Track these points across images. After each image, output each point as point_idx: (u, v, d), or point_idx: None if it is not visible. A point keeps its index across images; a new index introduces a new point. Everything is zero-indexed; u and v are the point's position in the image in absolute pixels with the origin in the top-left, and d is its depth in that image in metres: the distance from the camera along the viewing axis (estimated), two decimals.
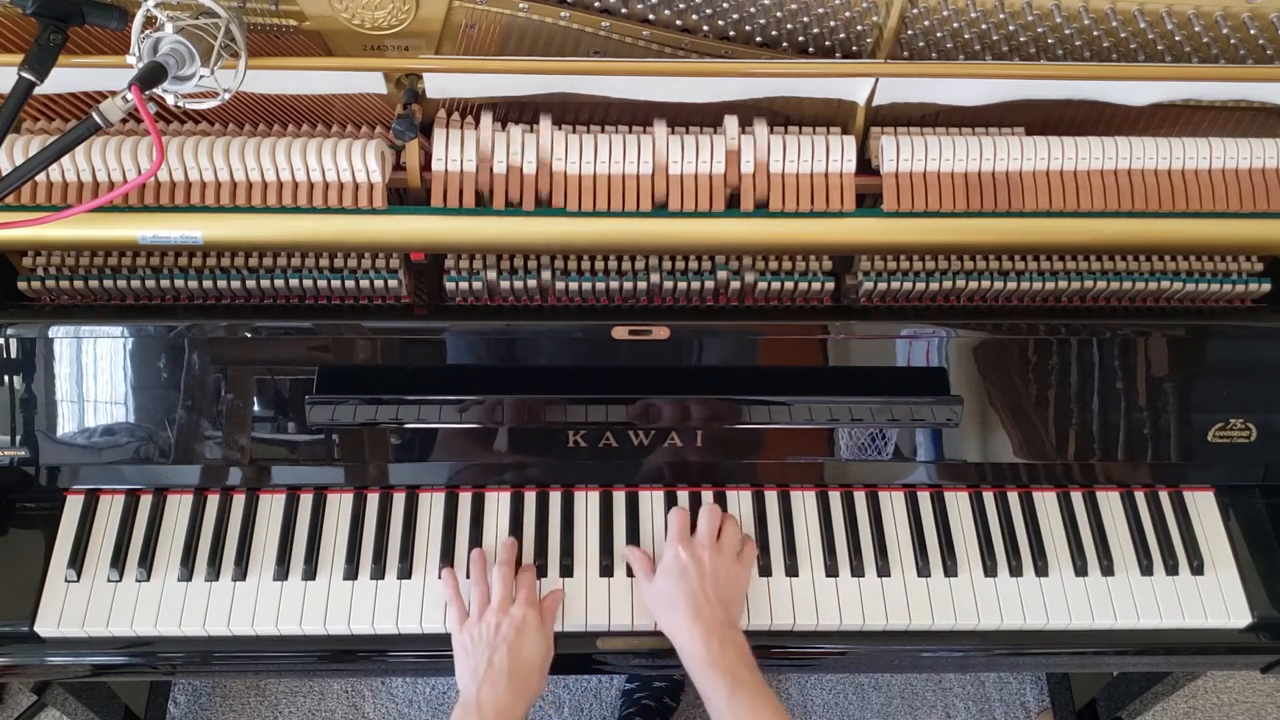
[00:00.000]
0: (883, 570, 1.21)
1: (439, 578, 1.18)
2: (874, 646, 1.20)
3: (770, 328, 1.21)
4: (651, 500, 1.24)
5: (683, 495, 1.25)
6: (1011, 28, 1.10)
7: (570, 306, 1.21)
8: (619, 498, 1.24)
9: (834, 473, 1.26)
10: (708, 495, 1.24)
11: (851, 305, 1.23)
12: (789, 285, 1.20)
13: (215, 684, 1.90)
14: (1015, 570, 1.21)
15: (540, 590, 1.17)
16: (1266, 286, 1.23)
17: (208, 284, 1.18)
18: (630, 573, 1.19)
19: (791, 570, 1.20)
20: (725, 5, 1.09)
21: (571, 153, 1.13)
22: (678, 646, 1.09)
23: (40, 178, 1.10)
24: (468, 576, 1.17)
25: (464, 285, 1.19)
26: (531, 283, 1.19)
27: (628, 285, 1.20)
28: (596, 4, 1.09)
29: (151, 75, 0.92)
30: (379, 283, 1.19)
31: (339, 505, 1.23)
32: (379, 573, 1.19)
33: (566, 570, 1.19)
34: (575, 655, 1.18)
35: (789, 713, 1.89)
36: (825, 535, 1.22)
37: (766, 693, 1.05)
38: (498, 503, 1.24)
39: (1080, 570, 1.21)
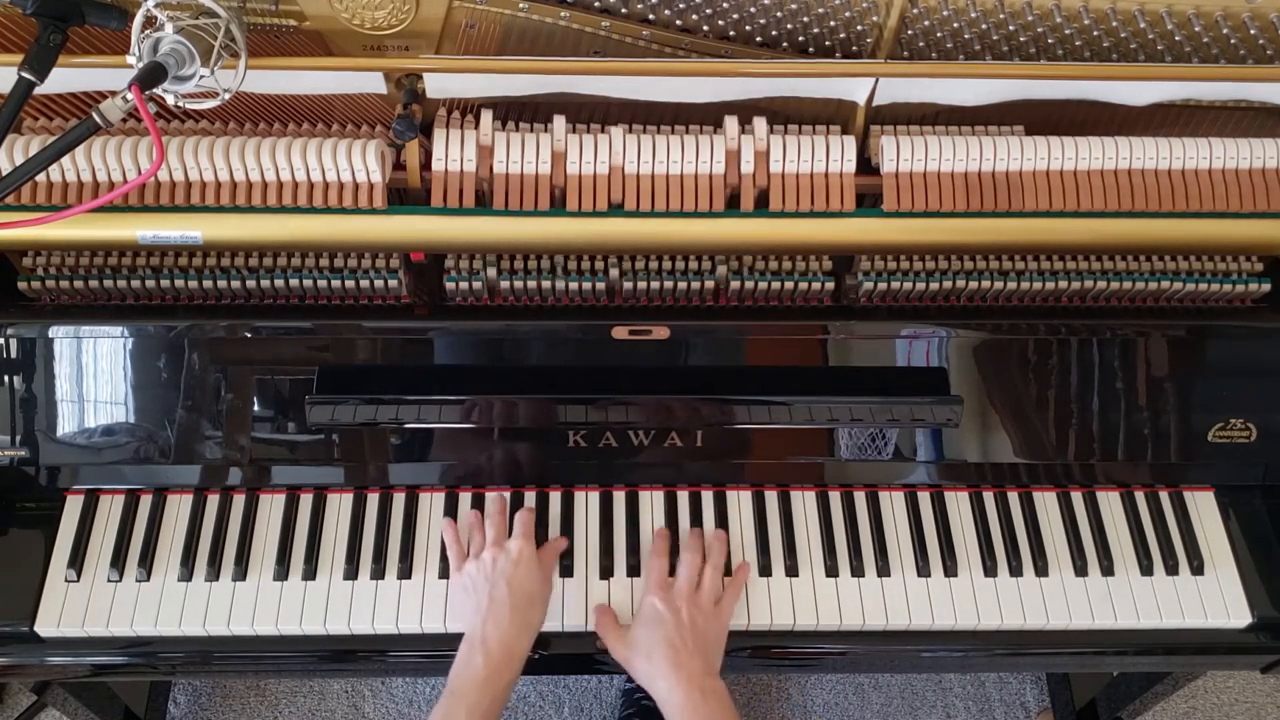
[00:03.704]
0: (883, 570, 1.21)
1: (439, 576, 1.18)
2: (874, 646, 1.20)
3: (770, 328, 1.21)
4: (651, 500, 1.24)
5: (682, 495, 1.25)
6: (1011, 28, 1.10)
7: (570, 306, 1.21)
8: (619, 498, 1.24)
9: (834, 473, 1.26)
10: (708, 495, 1.24)
11: (851, 305, 1.23)
12: (789, 285, 1.20)
13: (215, 684, 1.90)
14: (1015, 570, 1.21)
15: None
16: (1266, 286, 1.23)
17: (208, 284, 1.18)
18: (631, 573, 1.19)
19: (791, 570, 1.20)
20: (725, 5, 1.09)
21: (572, 152, 1.13)
22: (656, 696, 1.08)
23: (40, 178, 1.10)
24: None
25: (464, 285, 1.19)
26: (531, 283, 1.19)
27: (628, 285, 1.20)
28: (596, 4, 1.09)
29: (151, 75, 0.92)
30: (379, 283, 1.19)
31: (339, 505, 1.23)
32: (379, 573, 1.19)
33: (566, 570, 1.19)
34: (575, 655, 1.18)
35: (790, 712, 1.89)
36: (825, 535, 1.22)
37: None
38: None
39: (1080, 570, 1.21)
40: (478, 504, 1.23)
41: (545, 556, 1.16)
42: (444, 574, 1.19)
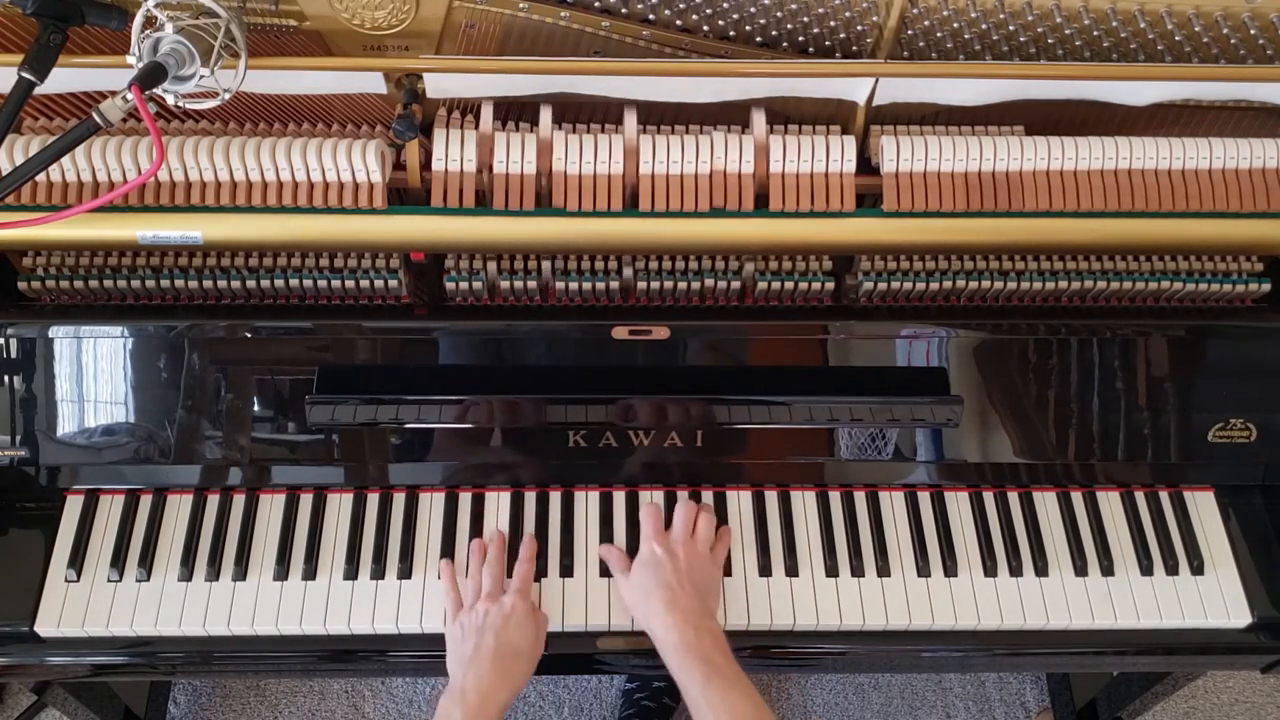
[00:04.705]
0: (883, 570, 1.21)
1: (439, 577, 1.18)
2: (874, 646, 1.20)
3: (770, 328, 1.21)
4: (651, 500, 1.24)
5: (683, 495, 1.24)
6: (1011, 28, 1.10)
7: (570, 306, 1.21)
8: (619, 498, 1.24)
9: (834, 473, 1.26)
10: (708, 495, 1.24)
11: (851, 305, 1.23)
12: (789, 285, 1.20)
13: (215, 684, 1.90)
14: (1015, 570, 1.21)
15: (540, 592, 1.18)
16: (1266, 286, 1.23)
17: (208, 284, 1.18)
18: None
19: (791, 570, 1.20)
20: (725, 5, 1.09)
21: (571, 152, 1.13)
22: (653, 636, 1.10)
23: (40, 178, 1.10)
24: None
25: (464, 285, 1.19)
26: (531, 283, 1.19)
27: (628, 285, 1.20)
28: (596, 4, 1.09)
29: (151, 75, 0.92)
30: (379, 283, 1.19)
31: (339, 505, 1.23)
32: (379, 573, 1.19)
33: (566, 570, 1.19)
34: (575, 655, 1.18)
35: (790, 712, 1.89)
36: (825, 535, 1.22)
37: (742, 679, 1.05)
38: (498, 503, 1.24)
39: (1080, 570, 1.21)
40: (477, 504, 1.23)
41: (541, 614, 1.15)
42: None
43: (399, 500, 1.23)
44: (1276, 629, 1.20)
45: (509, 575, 1.17)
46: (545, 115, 1.14)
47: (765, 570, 1.20)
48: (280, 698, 1.90)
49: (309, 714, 1.89)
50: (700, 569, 1.14)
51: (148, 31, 0.95)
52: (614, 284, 1.19)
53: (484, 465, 1.23)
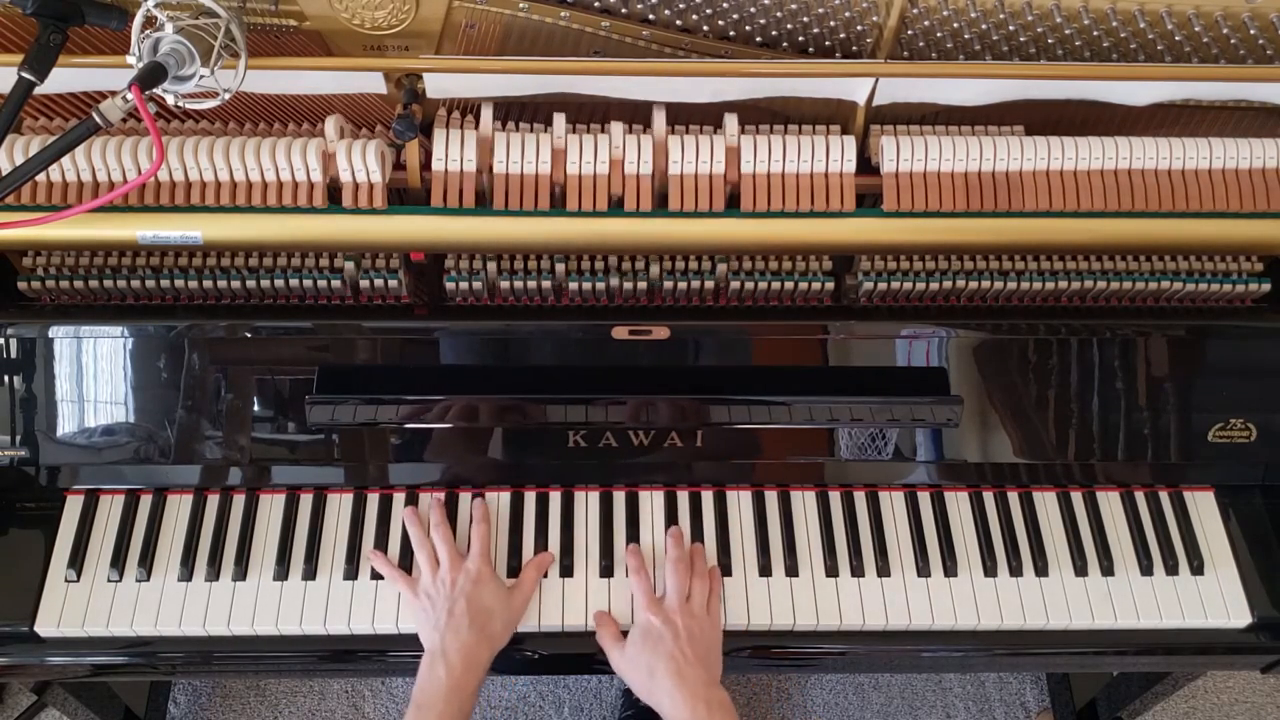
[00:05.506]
0: (883, 570, 1.21)
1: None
2: (874, 646, 1.20)
3: (770, 328, 1.21)
4: (651, 500, 1.24)
5: (682, 495, 1.25)
6: (1011, 28, 1.11)
7: (570, 306, 1.21)
8: (619, 498, 1.24)
9: (834, 473, 1.26)
10: (708, 495, 1.24)
11: (851, 305, 1.23)
12: (789, 285, 1.20)
13: (215, 684, 1.90)
14: (1015, 570, 1.21)
15: (540, 592, 1.18)
16: (1266, 286, 1.23)
17: (208, 284, 1.18)
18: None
19: (791, 570, 1.20)
20: (725, 5, 1.09)
21: (571, 152, 1.13)
22: (661, 711, 1.09)
23: (40, 178, 1.10)
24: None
25: (464, 285, 1.19)
26: (531, 283, 1.19)
27: (627, 285, 1.20)
28: (596, 4, 1.09)
29: (151, 75, 0.92)
30: (379, 283, 1.19)
31: (339, 505, 1.23)
32: (379, 573, 1.19)
33: (567, 570, 1.19)
34: (575, 655, 1.18)
35: (790, 712, 1.89)
36: (825, 535, 1.22)
37: None
38: (497, 503, 1.24)
39: (1080, 570, 1.21)
40: (476, 505, 1.23)
41: (526, 574, 1.17)
42: None
43: (399, 500, 1.23)
44: (1276, 629, 1.20)
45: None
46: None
47: (765, 570, 1.20)
48: (280, 698, 1.90)
49: (309, 714, 1.89)
50: (700, 635, 1.12)
51: (148, 31, 0.95)
52: (614, 283, 1.19)
53: (484, 465, 1.23)
